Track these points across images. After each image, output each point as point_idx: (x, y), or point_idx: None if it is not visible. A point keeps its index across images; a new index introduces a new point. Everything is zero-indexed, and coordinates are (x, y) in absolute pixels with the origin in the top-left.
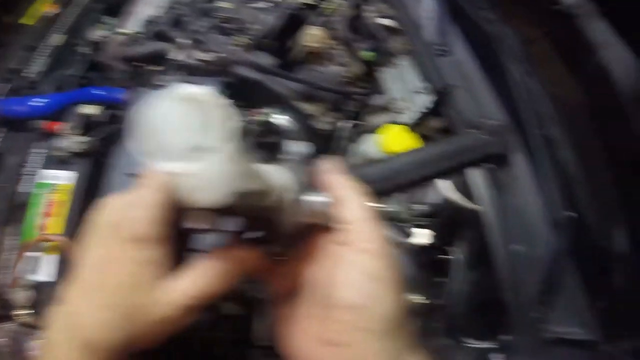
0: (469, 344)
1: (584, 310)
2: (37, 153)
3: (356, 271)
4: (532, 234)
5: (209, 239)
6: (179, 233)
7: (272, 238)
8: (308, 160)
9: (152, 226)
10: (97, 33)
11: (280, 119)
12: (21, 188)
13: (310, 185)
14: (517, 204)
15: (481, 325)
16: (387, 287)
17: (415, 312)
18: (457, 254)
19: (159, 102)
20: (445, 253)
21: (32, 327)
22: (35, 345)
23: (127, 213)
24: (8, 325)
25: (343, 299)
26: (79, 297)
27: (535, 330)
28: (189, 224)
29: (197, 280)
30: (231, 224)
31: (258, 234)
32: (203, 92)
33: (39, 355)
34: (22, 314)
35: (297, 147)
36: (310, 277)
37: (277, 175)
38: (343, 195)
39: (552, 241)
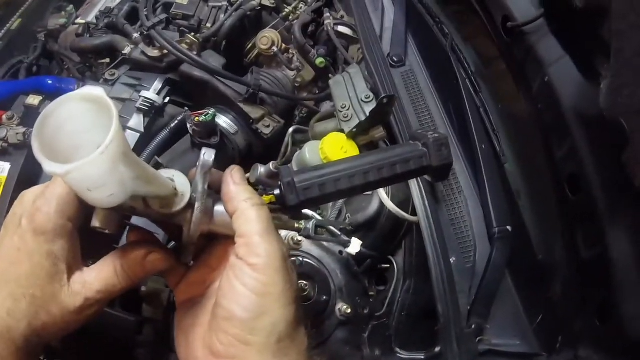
0: (402, 354)
1: (522, 323)
2: None
3: (243, 285)
4: (470, 247)
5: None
6: (97, 232)
7: (181, 244)
8: (210, 167)
9: (55, 220)
10: (54, 21)
11: (223, 120)
12: None
13: (216, 193)
14: (455, 216)
15: (417, 336)
16: (272, 302)
17: (345, 322)
18: (395, 263)
19: (52, 105)
20: (386, 262)
21: None
22: None
23: (34, 205)
24: None
25: (228, 311)
26: None
27: (468, 342)
28: (92, 223)
29: (100, 274)
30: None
31: (170, 240)
32: (97, 94)
33: None
34: None
35: (207, 155)
36: (210, 287)
37: (179, 182)
38: (241, 208)
39: (489, 253)
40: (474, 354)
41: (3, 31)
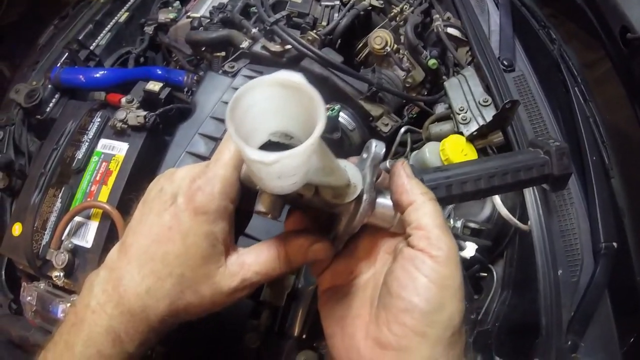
0: None
1: (613, 345)
2: (98, 122)
3: (425, 277)
4: (576, 260)
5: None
6: (239, 215)
7: (338, 233)
8: (380, 160)
9: (219, 201)
10: (165, 15)
11: (341, 116)
12: (79, 154)
13: (381, 186)
14: (564, 227)
15: (512, 346)
16: (451, 295)
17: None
18: (495, 272)
19: (256, 86)
20: (486, 269)
21: (63, 290)
22: (62, 308)
23: (195, 185)
24: (38, 285)
25: (409, 302)
26: (128, 263)
27: (565, 358)
28: (257, 208)
29: (260, 257)
30: (301, 214)
31: (325, 227)
32: (299, 81)
33: (71, 319)
34: (57, 276)
35: (376, 147)
36: (359, 277)
37: (351, 173)
38: (415, 200)
39: (593, 270)
40: None
41: (112, 23)
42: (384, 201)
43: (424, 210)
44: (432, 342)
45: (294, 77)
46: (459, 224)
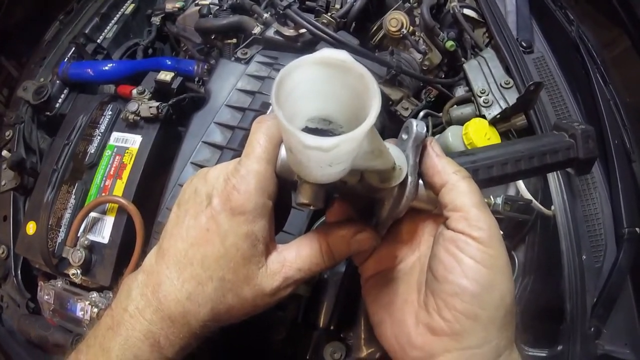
0: (525, 350)
1: (635, 332)
2: (109, 115)
3: (471, 258)
4: (600, 245)
5: (299, 219)
6: (277, 210)
7: (380, 220)
8: (423, 140)
9: (256, 199)
10: (172, 4)
11: None
12: (91, 149)
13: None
14: (588, 212)
15: (535, 333)
16: (502, 276)
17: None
18: (516, 258)
19: (303, 65)
20: (510, 254)
21: (81, 288)
22: (81, 306)
23: (229, 184)
24: (55, 283)
25: (458, 285)
26: (166, 268)
27: (588, 344)
28: (299, 200)
29: (302, 252)
30: (343, 202)
31: (368, 214)
32: (346, 58)
33: (105, 322)
34: (74, 274)
35: (417, 126)
36: (413, 262)
37: (396, 155)
38: (452, 181)
39: (616, 255)
40: (592, 357)
41: (118, 15)
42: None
43: (458, 190)
44: (485, 323)
45: (341, 55)
46: (499, 200)
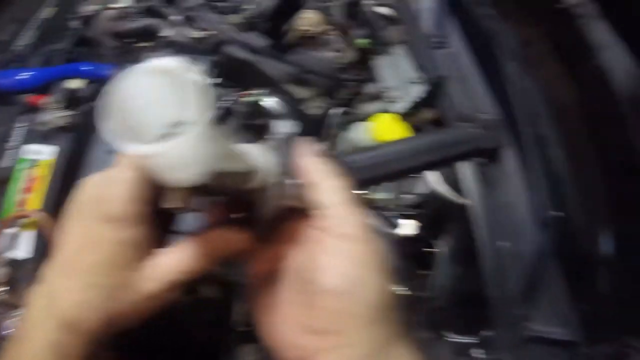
0: (451, 338)
1: (567, 311)
2: (20, 127)
3: (338, 256)
4: (519, 232)
5: (193, 221)
6: (161, 213)
7: (255, 220)
8: (293, 141)
9: (128, 205)
10: (88, 7)
11: (270, 102)
12: (3, 163)
13: (293, 167)
14: (505, 200)
15: (463, 320)
16: (371, 271)
17: (397, 304)
18: (442, 247)
19: (128, 77)
20: (431, 246)
21: (7, 306)
22: (10, 324)
23: (103, 191)
24: None
25: (327, 284)
26: (58, 277)
27: (516, 328)
28: (166, 204)
29: (180, 256)
30: (214, 204)
31: (241, 215)
32: (175, 65)
33: (16, 336)
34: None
35: (284, 127)
36: (292, 262)
37: (259, 157)
38: (319, 179)
39: (538, 240)
40: (521, 339)
41: (36, 20)
42: (298, 182)
43: (325, 189)
44: (357, 321)
45: (170, 62)
46: (385, 195)
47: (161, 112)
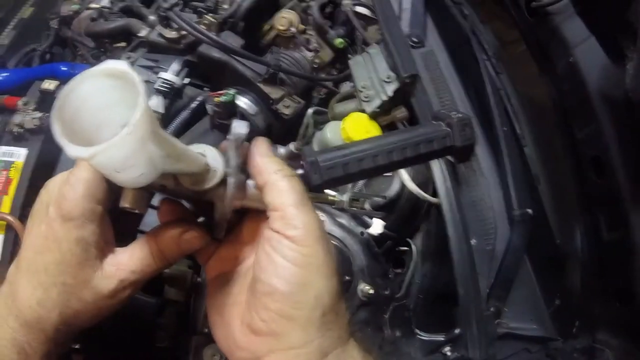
0: (422, 336)
1: (539, 307)
2: None
3: (282, 257)
4: (490, 229)
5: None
6: (124, 213)
7: (212, 221)
8: (248, 141)
9: (84, 204)
10: (67, 7)
11: (242, 101)
12: None
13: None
14: (476, 198)
15: (435, 318)
16: (314, 273)
17: (366, 303)
18: (413, 246)
19: (79, 81)
20: (402, 244)
21: None
22: None
23: (60, 192)
24: None
25: (269, 285)
26: (19, 277)
27: (487, 325)
28: (122, 203)
29: (135, 255)
30: (170, 204)
31: (199, 216)
32: (123, 69)
33: None
34: None
35: (240, 127)
36: (245, 263)
37: (214, 158)
38: (271, 180)
39: (510, 237)
40: (492, 337)
41: (15, 20)
42: (252, 183)
43: (278, 189)
44: (301, 323)
45: (119, 66)
46: (345, 197)
47: (109, 115)
